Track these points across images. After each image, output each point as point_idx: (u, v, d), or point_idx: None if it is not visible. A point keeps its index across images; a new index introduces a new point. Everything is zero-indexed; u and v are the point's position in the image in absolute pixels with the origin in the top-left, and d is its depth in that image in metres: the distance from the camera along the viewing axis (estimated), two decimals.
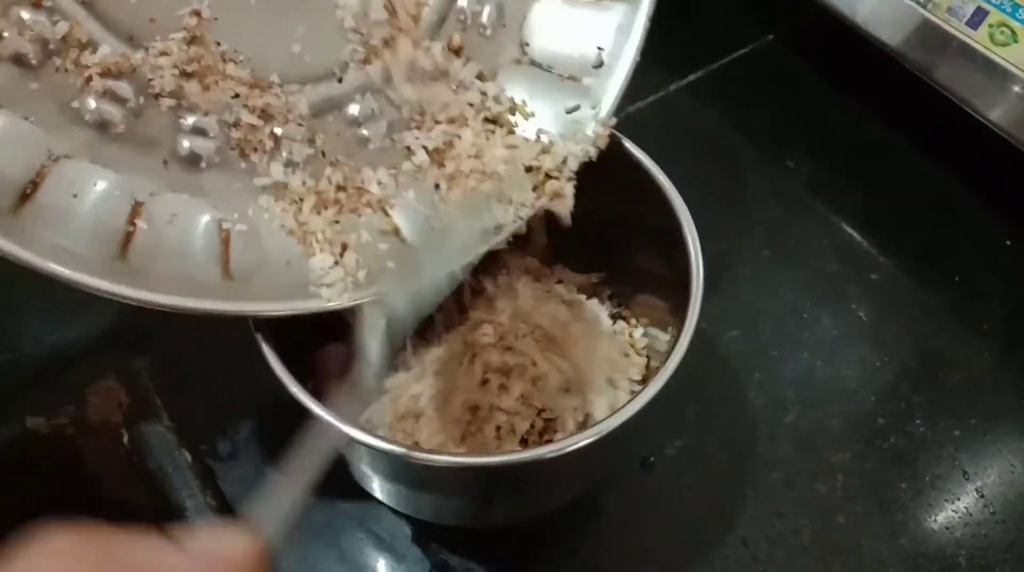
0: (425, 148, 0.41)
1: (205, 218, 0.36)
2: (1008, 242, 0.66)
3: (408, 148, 0.41)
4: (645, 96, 0.75)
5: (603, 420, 0.36)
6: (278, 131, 0.38)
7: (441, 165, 0.41)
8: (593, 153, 0.43)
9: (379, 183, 0.40)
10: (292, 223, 0.38)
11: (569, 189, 0.42)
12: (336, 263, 0.37)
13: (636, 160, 0.45)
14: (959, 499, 0.53)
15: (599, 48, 0.44)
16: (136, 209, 0.35)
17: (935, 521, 0.52)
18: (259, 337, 0.37)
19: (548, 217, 0.52)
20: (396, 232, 0.39)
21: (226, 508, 0.50)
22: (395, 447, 0.34)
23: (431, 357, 0.46)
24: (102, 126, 0.34)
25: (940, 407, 0.57)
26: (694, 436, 0.55)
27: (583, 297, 0.52)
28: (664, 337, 0.49)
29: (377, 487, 0.42)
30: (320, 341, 0.46)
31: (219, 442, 0.54)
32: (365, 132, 0.40)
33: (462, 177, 0.41)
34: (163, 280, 0.34)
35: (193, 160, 0.36)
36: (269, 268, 0.37)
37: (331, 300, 0.37)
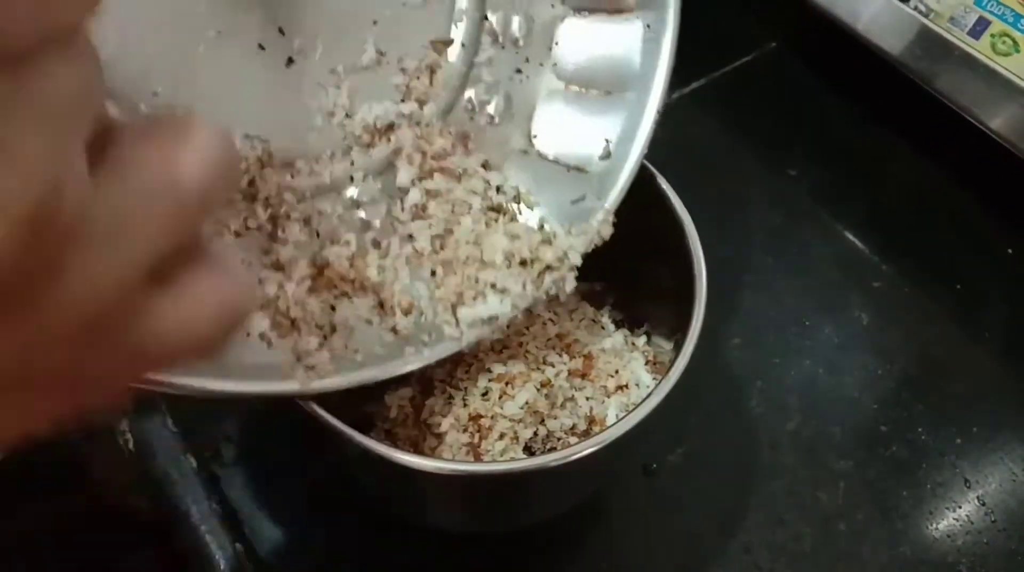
0: (424, 234, 0.41)
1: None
2: (1010, 250, 0.66)
3: (410, 235, 0.40)
4: None
5: (607, 428, 0.36)
6: (272, 210, 0.37)
7: (438, 251, 0.40)
8: (598, 242, 0.43)
9: (379, 268, 0.39)
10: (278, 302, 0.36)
11: (571, 279, 0.42)
12: (321, 346, 0.36)
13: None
14: (960, 507, 0.53)
15: (606, 140, 0.44)
16: None
17: (936, 529, 0.53)
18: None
19: None
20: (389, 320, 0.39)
21: (231, 514, 0.51)
22: (399, 455, 0.35)
23: (436, 370, 0.46)
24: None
25: (942, 415, 0.57)
26: (696, 444, 0.55)
27: (587, 304, 0.52)
28: (667, 345, 0.49)
29: (380, 494, 0.43)
30: None
31: (224, 447, 0.54)
32: (363, 215, 0.40)
33: (459, 264, 0.40)
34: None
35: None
36: (251, 346, 0.35)
37: (311, 384, 0.35)
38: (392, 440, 0.44)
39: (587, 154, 0.44)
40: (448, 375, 0.45)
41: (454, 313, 0.40)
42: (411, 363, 0.38)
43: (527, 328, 0.47)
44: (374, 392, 0.43)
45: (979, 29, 0.60)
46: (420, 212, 0.40)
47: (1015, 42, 0.58)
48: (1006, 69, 0.59)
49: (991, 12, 0.58)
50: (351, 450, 0.36)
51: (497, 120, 0.43)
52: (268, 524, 0.51)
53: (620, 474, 0.53)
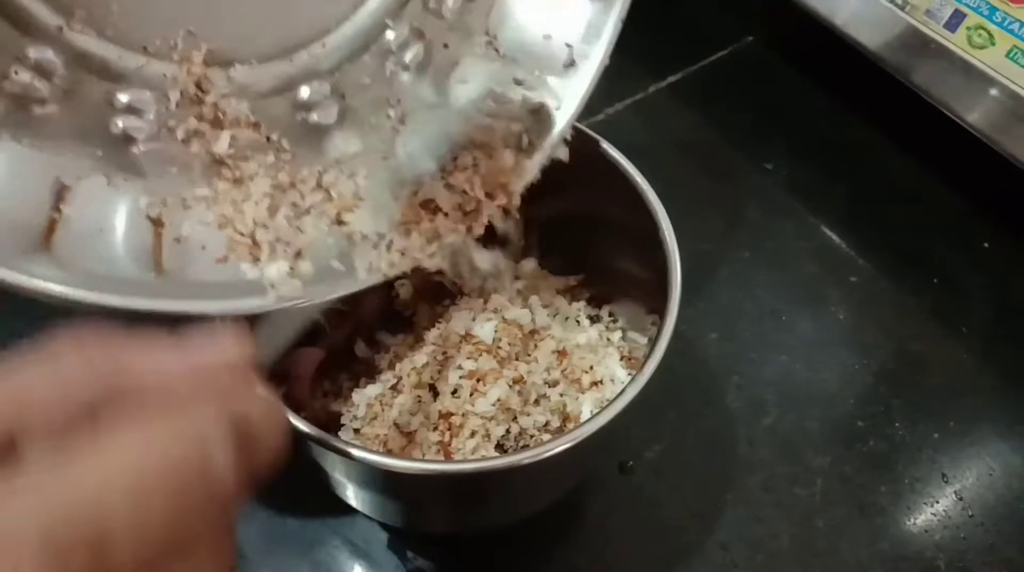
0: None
1: (135, 203, 0.33)
2: (987, 244, 0.66)
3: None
4: (624, 98, 0.74)
5: (581, 425, 0.35)
6: (220, 111, 0.35)
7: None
8: (562, 154, 0.42)
9: (348, 180, 0.38)
10: (234, 215, 0.35)
11: (531, 167, 0.41)
12: (280, 259, 0.35)
13: (614, 162, 0.45)
14: (938, 502, 0.53)
15: (568, 46, 0.42)
16: (61, 194, 0.32)
17: (915, 524, 0.52)
18: None
19: (525, 219, 0.52)
20: (348, 234, 0.37)
21: None
22: (368, 455, 0.34)
23: (406, 366, 0.45)
24: (26, 101, 0.31)
25: (919, 409, 0.57)
26: (673, 440, 0.55)
27: (562, 299, 0.51)
28: (643, 340, 0.48)
29: (351, 494, 0.42)
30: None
31: None
32: (316, 118, 0.38)
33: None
34: (89, 274, 0.31)
35: (127, 141, 0.34)
36: (203, 263, 0.34)
37: (275, 300, 0.35)
38: (361, 439, 0.43)
39: (548, 59, 0.42)
40: (418, 372, 0.44)
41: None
42: (371, 278, 0.37)
43: (501, 323, 0.46)
44: (341, 390, 0.42)
45: (955, 22, 0.59)
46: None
47: (990, 35, 0.58)
48: (982, 62, 0.59)
49: (967, 5, 0.58)
50: (316, 450, 0.35)
51: (452, 17, 0.41)
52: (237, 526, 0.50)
53: (596, 471, 0.53)
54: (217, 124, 0.35)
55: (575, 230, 0.52)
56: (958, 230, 0.67)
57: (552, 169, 0.46)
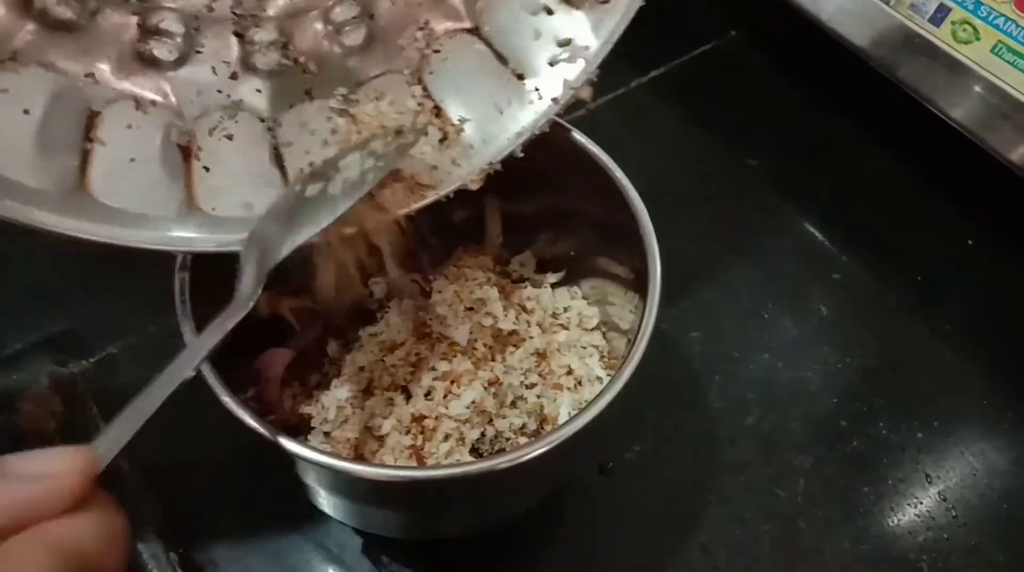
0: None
1: (166, 130, 0.33)
2: (970, 242, 0.66)
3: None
4: (605, 93, 0.73)
5: (558, 428, 0.34)
6: (248, 33, 0.34)
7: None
8: (585, 94, 0.41)
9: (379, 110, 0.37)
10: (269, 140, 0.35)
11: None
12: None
13: (594, 158, 0.44)
14: (922, 503, 0.52)
15: None
16: (92, 121, 0.31)
17: (898, 525, 0.52)
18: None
19: (503, 216, 0.51)
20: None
21: (170, 520, 0.48)
22: (336, 461, 0.33)
23: (378, 368, 0.44)
24: (55, 23, 0.31)
25: (902, 409, 0.56)
26: (654, 441, 0.54)
27: (540, 296, 0.50)
28: (623, 339, 0.47)
29: (323, 500, 0.40)
30: (261, 346, 0.44)
31: (161, 451, 0.51)
32: (345, 41, 0.37)
33: None
34: (126, 213, 0.31)
35: (154, 65, 0.33)
36: (235, 193, 0.34)
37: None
38: (331, 443, 0.42)
39: None
40: (390, 374, 0.42)
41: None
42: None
43: (477, 322, 0.45)
44: (312, 392, 0.41)
45: (940, 16, 0.59)
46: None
47: (975, 30, 0.57)
48: (967, 57, 0.58)
49: None
50: (284, 457, 0.33)
51: None
52: (208, 532, 0.49)
53: (575, 474, 0.52)
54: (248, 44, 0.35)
55: (554, 226, 0.51)
56: (942, 228, 0.67)
57: (532, 165, 0.45)
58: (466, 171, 0.38)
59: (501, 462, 0.34)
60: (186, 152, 0.33)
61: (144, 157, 0.32)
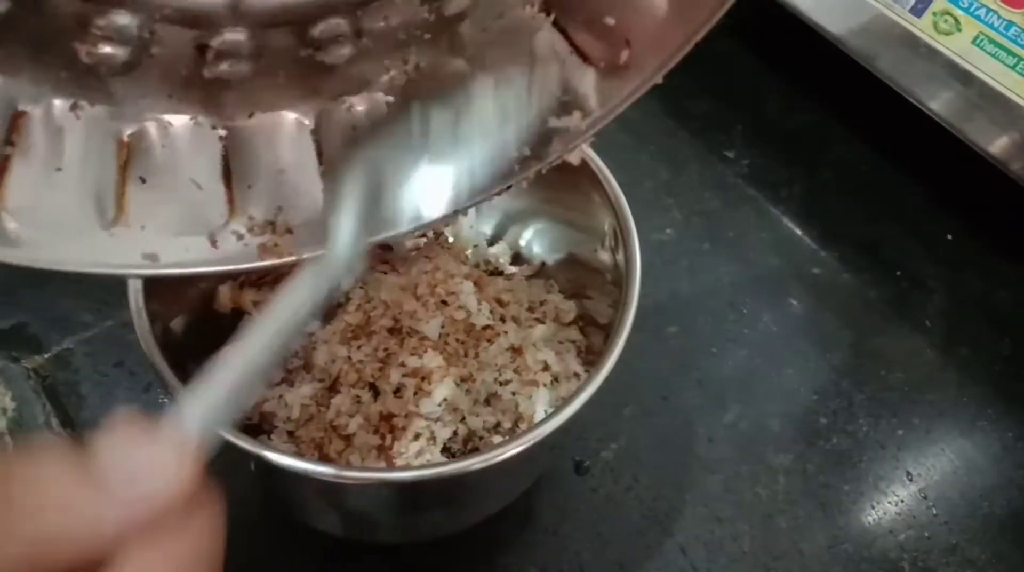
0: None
1: (102, 134, 0.30)
2: (949, 236, 0.65)
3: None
4: None
5: (534, 426, 0.33)
6: (213, 41, 0.30)
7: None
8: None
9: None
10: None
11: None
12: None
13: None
14: (903, 501, 0.52)
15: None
16: (16, 122, 0.28)
17: (878, 524, 0.51)
18: (145, 344, 0.33)
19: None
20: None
21: None
22: (300, 463, 0.31)
23: (343, 363, 0.42)
24: None
25: (882, 405, 0.56)
26: (630, 438, 0.52)
27: (515, 289, 0.48)
28: (600, 334, 0.46)
29: (286, 502, 0.39)
30: (220, 341, 0.42)
31: None
32: (324, 58, 0.33)
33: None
34: (43, 227, 0.28)
35: (100, 64, 0.29)
36: (176, 206, 0.30)
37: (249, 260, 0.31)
38: (295, 443, 0.40)
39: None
40: (356, 370, 0.41)
41: None
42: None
43: (449, 317, 0.43)
44: (275, 389, 0.39)
45: (921, 7, 0.58)
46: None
47: (957, 21, 0.56)
48: (948, 48, 0.57)
49: None
50: (244, 458, 0.32)
51: None
52: None
53: (550, 472, 0.50)
54: (207, 51, 0.30)
55: (531, 217, 0.49)
56: (921, 222, 0.66)
57: None
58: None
59: (474, 462, 0.32)
60: (123, 158, 0.30)
61: (73, 166, 0.29)
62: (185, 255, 0.30)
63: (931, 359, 0.59)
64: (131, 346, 0.54)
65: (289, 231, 0.32)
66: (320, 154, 0.33)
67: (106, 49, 0.29)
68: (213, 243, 0.31)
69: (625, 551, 0.49)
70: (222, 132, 0.32)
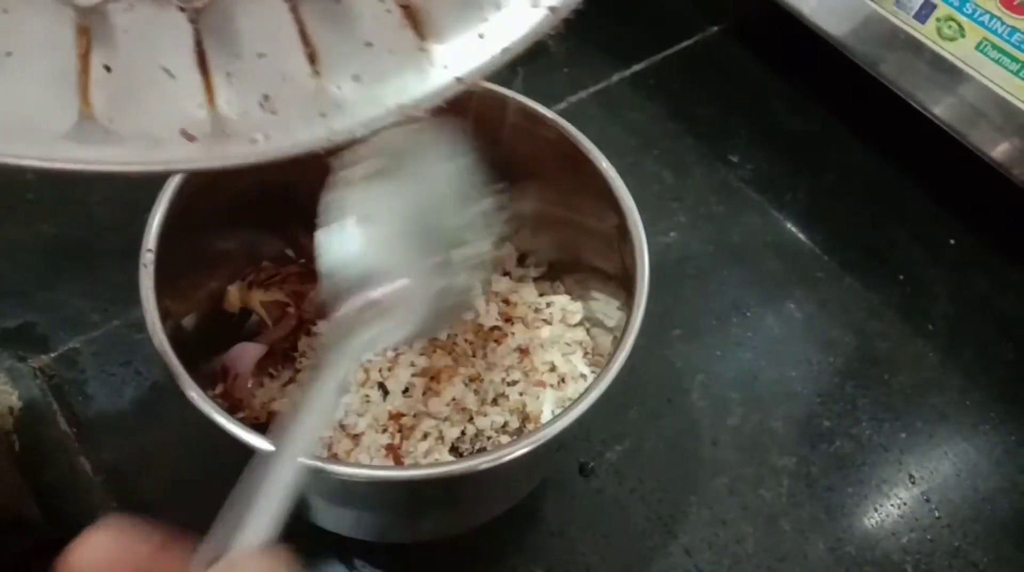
0: None
1: (55, 12, 0.26)
2: (952, 240, 0.65)
3: None
4: (586, 87, 0.72)
5: (541, 426, 0.33)
6: None
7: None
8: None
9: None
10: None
11: None
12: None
13: (581, 150, 0.42)
14: (906, 503, 0.52)
15: None
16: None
17: (882, 527, 0.51)
18: (157, 340, 0.33)
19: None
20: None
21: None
22: (309, 461, 0.31)
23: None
24: None
25: (886, 409, 0.56)
26: (635, 440, 0.52)
27: (523, 291, 0.49)
28: (607, 336, 0.46)
29: (296, 501, 0.39)
30: (230, 340, 0.42)
31: (124, 450, 0.49)
32: None
33: None
34: None
35: None
36: (148, 97, 0.28)
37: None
38: None
39: None
40: (365, 369, 0.41)
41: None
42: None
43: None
44: (283, 388, 0.39)
45: (925, 13, 0.58)
46: None
47: (960, 27, 0.56)
48: (951, 54, 0.57)
49: None
50: (252, 456, 0.32)
51: None
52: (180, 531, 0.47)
53: (555, 474, 0.50)
54: None
55: (539, 220, 0.49)
56: (924, 226, 0.66)
57: (516, 155, 0.44)
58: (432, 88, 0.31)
59: (482, 462, 0.32)
60: (83, 46, 0.27)
61: (25, 51, 0.26)
62: (159, 151, 0.28)
63: (934, 362, 0.59)
64: (138, 346, 0.54)
65: (274, 114, 0.29)
66: (304, 36, 0.30)
67: None
68: (190, 138, 0.28)
69: (630, 552, 0.49)
70: (191, 14, 0.29)
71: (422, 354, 0.41)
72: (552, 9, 0.31)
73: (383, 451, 0.39)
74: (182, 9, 0.29)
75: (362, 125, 0.29)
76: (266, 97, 0.29)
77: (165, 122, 0.28)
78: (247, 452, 0.32)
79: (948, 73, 0.58)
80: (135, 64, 0.28)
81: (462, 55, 0.31)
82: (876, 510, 0.52)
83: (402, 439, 0.39)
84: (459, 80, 0.31)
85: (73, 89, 0.26)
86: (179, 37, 0.28)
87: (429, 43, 0.31)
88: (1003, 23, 0.55)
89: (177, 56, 0.28)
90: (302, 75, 0.29)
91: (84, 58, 0.27)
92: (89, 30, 0.27)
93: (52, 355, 0.52)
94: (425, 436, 0.39)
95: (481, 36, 0.31)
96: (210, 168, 0.28)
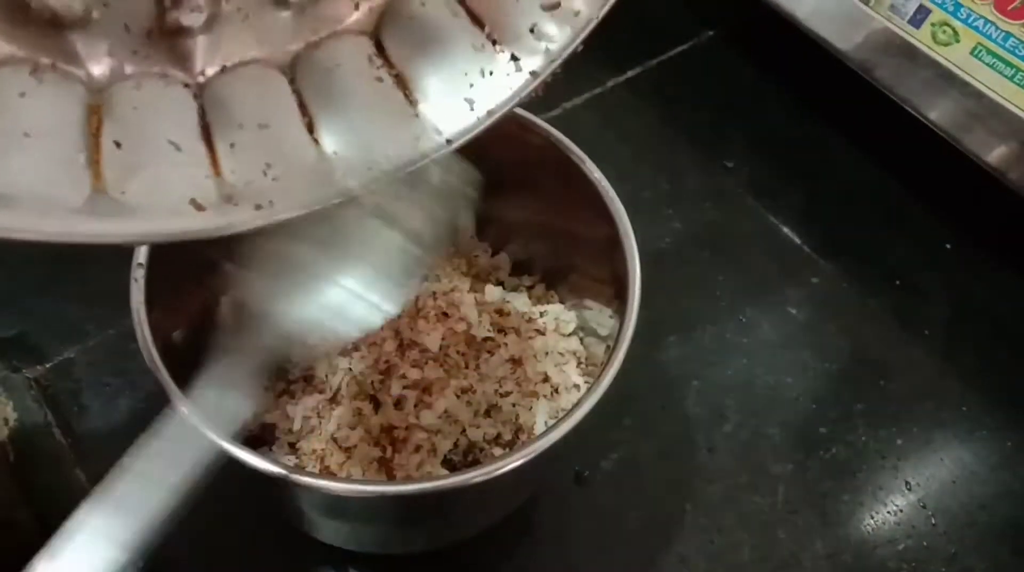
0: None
1: (68, 95, 0.28)
2: (949, 245, 0.65)
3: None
4: (580, 92, 0.72)
5: (535, 438, 0.33)
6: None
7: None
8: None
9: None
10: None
11: None
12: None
13: (573, 158, 0.42)
14: (902, 511, 0.52)
15: None
16: None
17: (877, 533, 0.51)
18: (148, 356, 0.33)
19: (478, 215, 0.49)
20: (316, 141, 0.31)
21: None
22: (301, 477, 0.31)
23: (345, 375, 0.42)
24: None
25: (882, 415, 0.56)
26: (630, 448, 0.52)
27: (516, 300, 0.49)
28: (600, 345, 0.46)
29: (288, 513, 0.39)
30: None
31: (115, 461, 0.49)
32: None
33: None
34: (16, 199, 0.26)
35: (54, 20, 0.28)
36: (156, 170, 0.29)
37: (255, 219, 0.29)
38: (296, 455, 0.40)
39: None
40: (357, 382, 0.41)
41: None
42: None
43: (448, 328, 0.43)
44: (276, 401, 0.39)
45: (919, 18, 0.58)
46: None
47: (955, 32, 0.56)
48: (946, 59, 0.57)
49: (932, 0, 0.57)
50: (245, 469, 0.32)
51: None
52: (166, 543, 0.46)
53: (549, 482, 0.50)
54: None
55: (531, 229, 0.49)
56: (920, 231, 0.66)
57: (509, 164, 0.44)
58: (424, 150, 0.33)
59: (475, 475, 0.32)
60: (95, 124, 0.29)
61: (41, 131, 0.27)
62: (171, 221, 0.29)
63: (930, 368, 0.58)
64: (133, 355, 0.53)
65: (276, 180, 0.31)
66: (302, 105, 0.31)
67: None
68: (199, 207, 0.29)
69: (625, 560, 0.49)
70: (195, 88, 0.30)
71: (414, 366, 0.41)
72: (533, 74, 0.33)
73: (375, 464, 0.39)
74: (186, 85, 0.30)
75: (361, 187, 0.31)
76: (268, 165, 0.30)
77: (174, 193, 0.29)
78: (239, 464, 0.32)
79: (942, 78, 0.58)
80: (144, 139, 0.29)
81: (451, 119, 0.32)
82: (872, 517, 0.52)
83: (394, 452, 0.39)
84: (449, 142, 0.32)
85: (85, 165, 0.28)
86: (184, 111, 0.30)
87: (420, 109, 0.32)
88: (997, 28, 0.54)
89: (183, 129, 0.30)
90: (302, 143, 0.31)
91: (95, 135, 0.28)
92: (100, 108, 0.28)
93: (47, 365, 0.53)
94: (417, 449, 0.39)
95: (468, 100, 0.33)
96: (220, 235, 0.29)
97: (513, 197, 0.48)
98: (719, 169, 0.69)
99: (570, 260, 0.47)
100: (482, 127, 0.32)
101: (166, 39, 0.30)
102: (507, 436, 0.42)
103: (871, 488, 0.53)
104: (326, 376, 0.42)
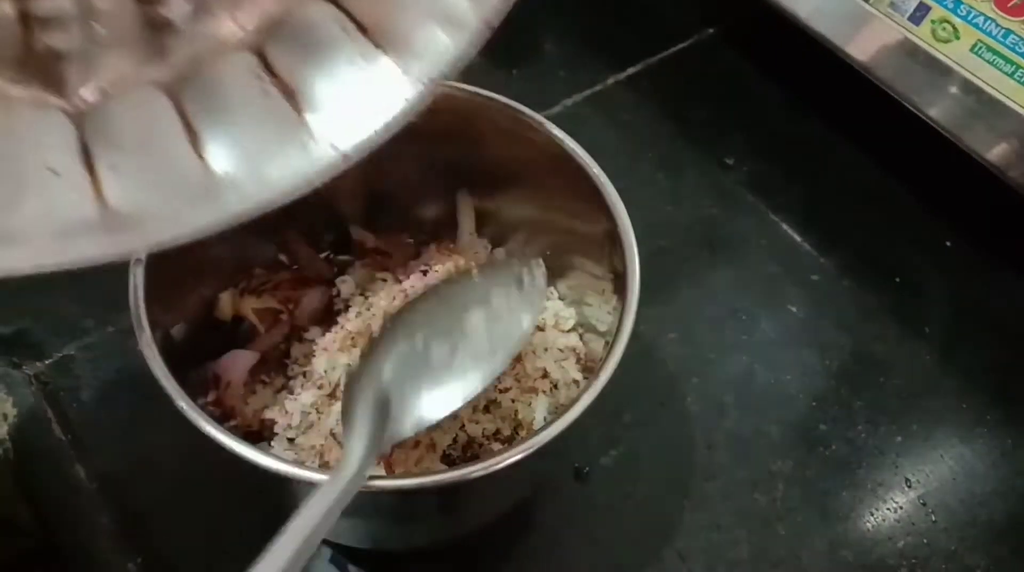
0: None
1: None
2: (948, 243, 0.65)
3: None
4: (581, 90, 0.72)
5: (534, 433, 0.33)
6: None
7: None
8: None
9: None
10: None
11: None
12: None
13: (572, 155, 0.42)
14: (901, 507, 0.52)
15: None
16: None
17: (877, 531, 0.51)
18: (147, 352, 0.33)
19: (477, 212, 0.50)
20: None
21: (128, 528, 0.46)
22: (300, 471, 0.31)
23: (343, 371, 0.42)
24: None
25: (881, 412, 0.56)
26: (630, 445, 0.52)
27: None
28: (599, 341, 0.46)
29: (288, 508, 0.39)
30: (221, 348, 0.42)
31: (117, 458, 0.49)
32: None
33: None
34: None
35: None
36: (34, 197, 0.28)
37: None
38: (296, 450, 0.40)
39: None
40: None
41: None
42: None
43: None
44: (275, 396, 0.39)
45: (919, 15, 0.58)
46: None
47: (955, 29, 0.56)
48: (946, 56, 0.57)
49: None
50: (245, 465, 0.32)
51: None
52: (167, 541, 0.47)
53: (549, 479, 0.50)
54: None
55: (530, 225, 0.49)
56: (920, 229, 0.66)
57: (507, 161, 0.44)
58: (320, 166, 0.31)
59: (474, 470, 0.32)
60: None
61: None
62: (57, 249, 0.28)
63: (930, 365, 0.58)
64: (132, 352, 0.53)
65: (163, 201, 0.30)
66: (187, 125, 0.30)
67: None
68: (83, 232, 0.28)
69: (624, 557, 0.49)
70: (72, 111, 0.30)
71: None
72: (427, 82, 0.31)
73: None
74: (64, 110, 0.29)
75: (256, 206, 0.30)
76: (153, 186, 0.29)
77: (56, 220, 0.28)
78: (238, 459, 0.32)
79: (943, 75, 0.58)
80: (20, 166, 0.28)
81: (346, 132, 0.31)
82: (872, 514, 0.52)
83: (393, 448, 0.39)
84: (347, 157, 0.31)
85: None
86: (62, 136, 0.29)
87: (310, 122, 0.31)
88: (997, 25, 0.54)
89: (61, 154, 0.29)
90: (188, 162, 0.30)
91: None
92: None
93: (47, 362, 0.53)
94: (416, 444, 0.39)
95: (361, 112, 0.31)
96: (113, 259, 0.28)
97: (513, 194, 0.48)
98: (719, 166, 0.69)
99: (570, 256, 0.47)
100: (380, 139, 0.31)
101: (38, 64, 0.29)
102: (506, 432, 0.42)
103: (871, 485, 0.53)
104: (325, 371, 0.42)
